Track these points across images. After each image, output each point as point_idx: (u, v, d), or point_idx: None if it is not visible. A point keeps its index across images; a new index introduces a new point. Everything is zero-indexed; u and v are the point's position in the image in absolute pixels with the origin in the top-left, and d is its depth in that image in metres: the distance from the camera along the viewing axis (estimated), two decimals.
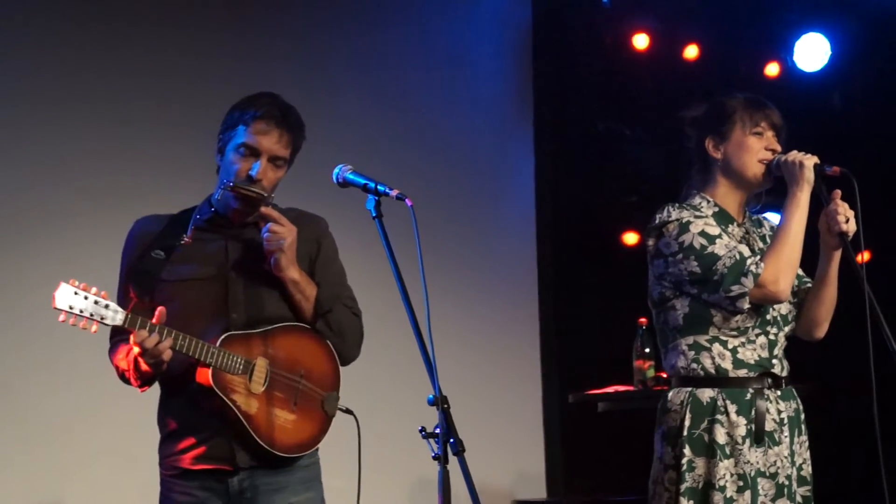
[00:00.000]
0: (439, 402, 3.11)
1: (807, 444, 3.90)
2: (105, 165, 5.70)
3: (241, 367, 3.58)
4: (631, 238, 6.78)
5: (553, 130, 6.99)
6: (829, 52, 6.89)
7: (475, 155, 6.80)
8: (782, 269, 3.71)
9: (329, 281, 3.78)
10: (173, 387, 3.70)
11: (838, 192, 3.77)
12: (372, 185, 3.44)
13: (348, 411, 3.78)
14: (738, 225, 3.91)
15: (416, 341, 3.23)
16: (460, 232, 6.63)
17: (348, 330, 3.78)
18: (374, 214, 3.42)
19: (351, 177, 3.51)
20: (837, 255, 3.82)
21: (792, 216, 3.75)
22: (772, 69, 7.00)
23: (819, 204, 3.81)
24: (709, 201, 3.90)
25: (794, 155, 3.78)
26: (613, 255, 6.75)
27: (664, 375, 4.03)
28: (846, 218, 3.75)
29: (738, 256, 3.72)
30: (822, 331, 3.93)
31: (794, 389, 3.90)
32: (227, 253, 3.73)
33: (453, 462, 3.10)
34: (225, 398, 3.55)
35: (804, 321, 3.92)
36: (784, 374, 3.85)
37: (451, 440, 3.09)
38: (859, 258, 3.74)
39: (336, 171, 3.55)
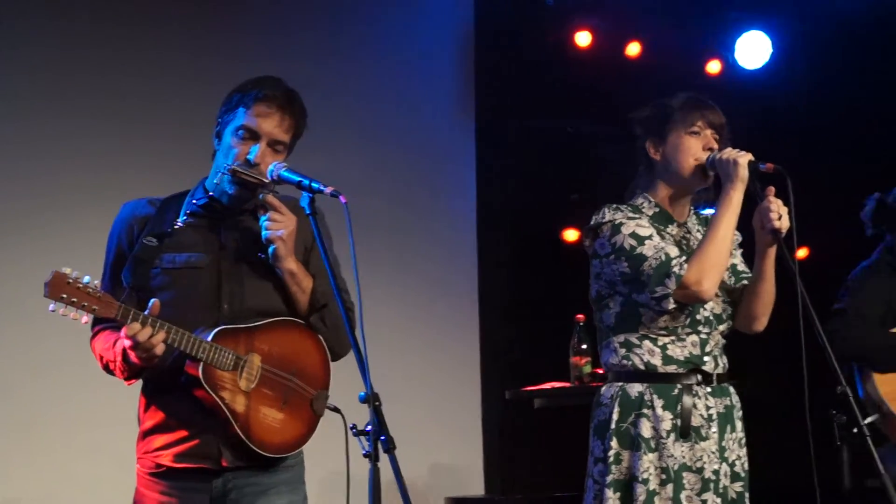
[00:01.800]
0: (370, 399, 3.07)
1: (742, 440, 3.94)
2: (84, 161, 5.73)
3: (232, 363, 3.48)
4: (571, 235, 6.77)
5: (495, 127, 6.99)
6: (771, 50, 6.96)
7: (417, 151, 6.79)
8: (705, 270, 3.73)
9: (325, 272, 3.56)
10: (158, 380, 3.57)
11: (772, 189, 3.79)
12: (306, 182, 3.40)
13: (336, 409, 3.66)
14: (679, 225, 3.96)
15: (349, 338, 3.21)
16: (401, 227, 6.63)
17: (342, 324, 3.60)
18: (308, 212, 3.37)
19: (285, 174, 3.49)
20: (772, 251, 3.83)
21: (722, 216, 3.77)
22: (713, 67, 7.06)
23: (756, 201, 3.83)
24: (650, 201, 3.95)
25: (729, 153, 3.79)
26: (554, 252, 6.75)
27: (601, 372, 4.08)
28: (779, 215, 3.75)
29: (663, 258, 3.77)
30: (760, 324, 3.95)
31: (729, 386, 3.94)
32: (222, 241, 3.63)
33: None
34: (213, 395, 3.45)
35: (742, 316, 3.95)
36: (718, 371, 3.89)
37: (382, 437, 3.05)
38: (795, 255, 3.73)
39: (271, 168, 3.52)
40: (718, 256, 3.75)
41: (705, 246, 3.76)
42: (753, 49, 6.98)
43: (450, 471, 6.58)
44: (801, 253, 6.95)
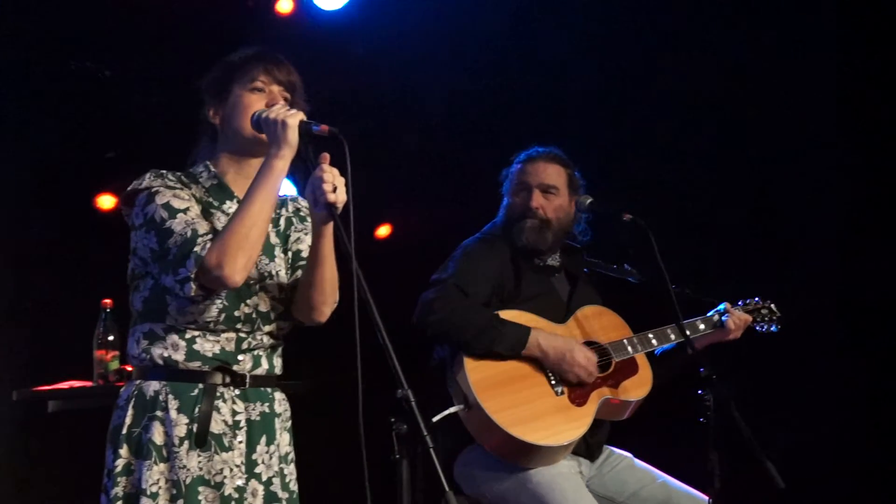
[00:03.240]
0: None
1: (289, 455, 3.82)
2: None
3: None
4: (108, 202, 6.46)
5: (18, 66, 6.44)
6: None
7: None
8: (229, 251, 3.51)
9: None
10: None
11: (327, 157, 3.58)
12: None
13: None
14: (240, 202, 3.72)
15: None
16: None
17: None
18: None
19: None
20: (328, 229, 3.64)
21: (258, 188, 3.56)
22: (284, 5, 6.97)
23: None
24: (210, 171, 3.81)
25: (277, 111, 3.60)
26: (88, 222, 6.42)
27: (130, 369, 3.84)
28: (334, 186, 3.52)
29: (189, 234, 3.55)
30: (321, 315, 3.80)
31: (274, 391, 3.80)
32: None
33: None
34: None
35: (299, 305, 3.79)
36: (257, 372, 3.74)
37: None
38: (352, 233, 3.46)
39: None
40: (248, 235, 3.54)
41: (232, 223, 3.55)
42: None
43: None
44: (383, 231, 7.25)
